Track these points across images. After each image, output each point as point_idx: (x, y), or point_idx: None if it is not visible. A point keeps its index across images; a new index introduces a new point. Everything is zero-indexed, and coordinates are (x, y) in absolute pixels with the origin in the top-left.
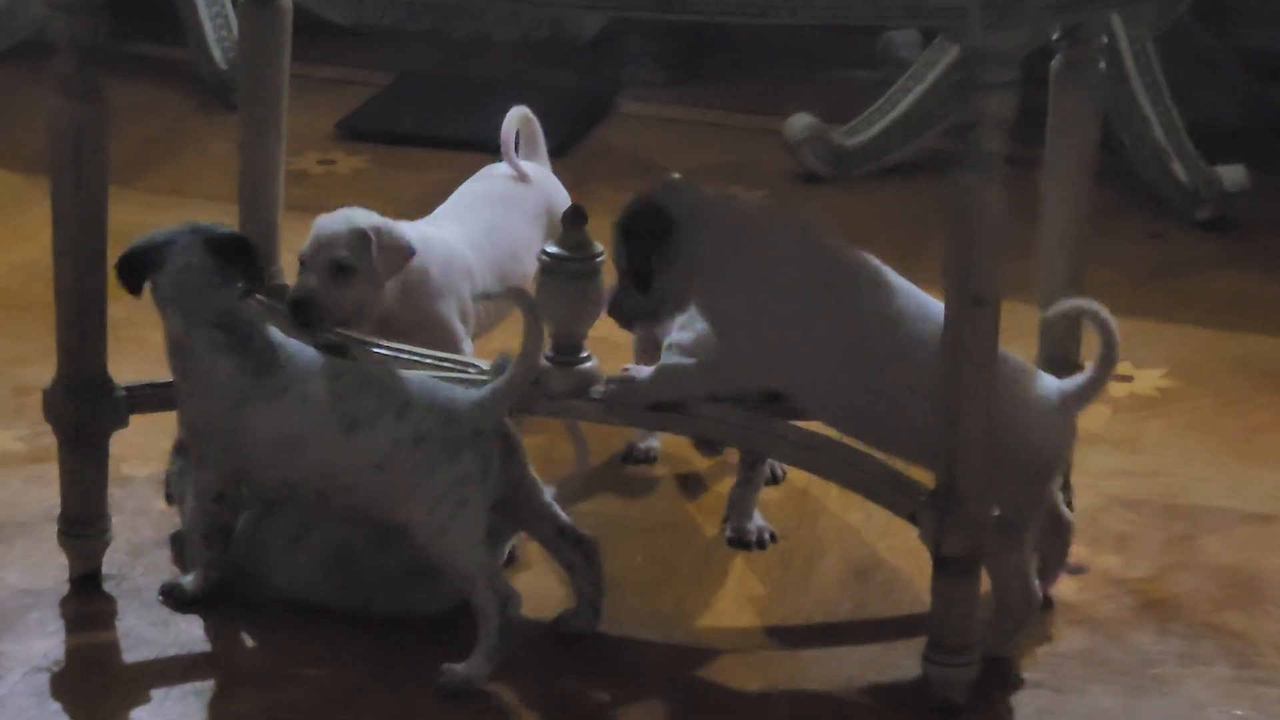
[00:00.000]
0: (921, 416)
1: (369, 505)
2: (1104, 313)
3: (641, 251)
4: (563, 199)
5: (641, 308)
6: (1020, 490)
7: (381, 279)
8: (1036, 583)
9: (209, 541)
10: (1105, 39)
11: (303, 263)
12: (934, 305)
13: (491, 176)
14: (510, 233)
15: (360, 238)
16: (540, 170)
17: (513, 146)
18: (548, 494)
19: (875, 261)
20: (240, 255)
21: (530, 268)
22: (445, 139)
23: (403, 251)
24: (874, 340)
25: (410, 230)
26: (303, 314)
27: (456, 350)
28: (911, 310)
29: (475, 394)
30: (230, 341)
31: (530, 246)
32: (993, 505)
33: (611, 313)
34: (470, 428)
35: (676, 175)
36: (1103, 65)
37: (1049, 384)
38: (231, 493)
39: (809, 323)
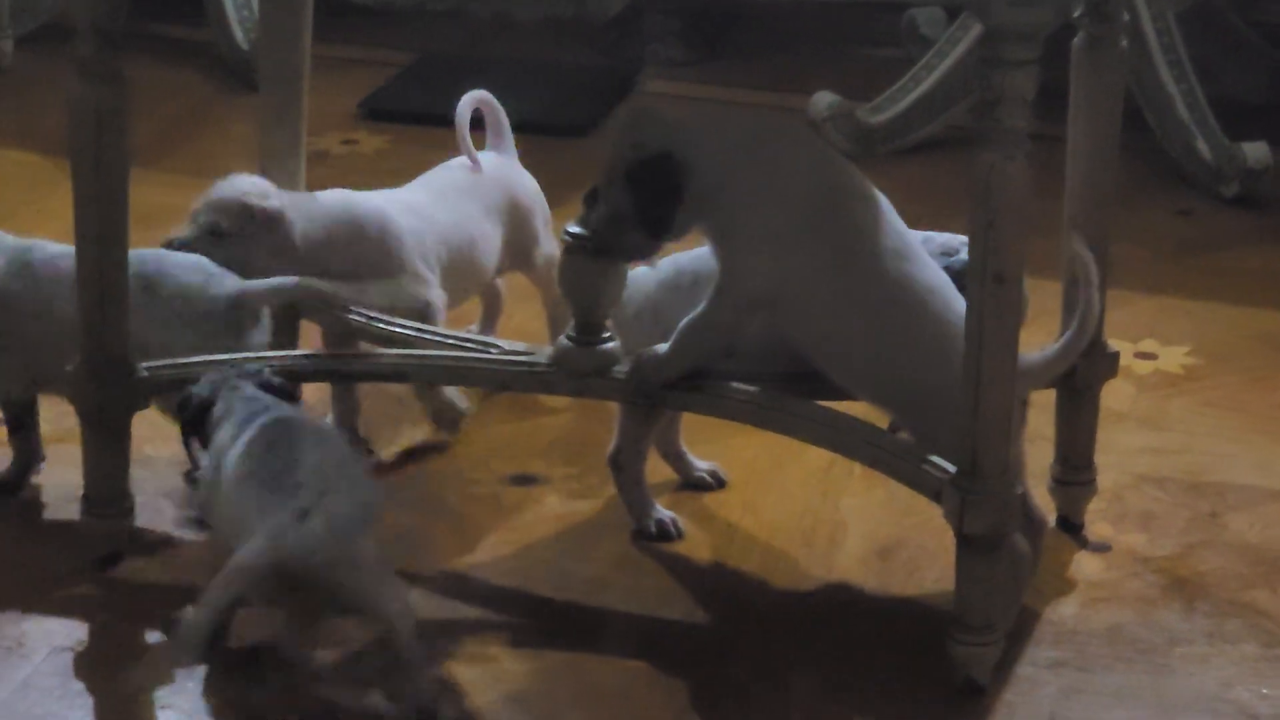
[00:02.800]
0: (886, 359)
1: None
2: (1093, 272)
3: (659, 201)
4: (528, 189)
5: (643, 247)
6: None
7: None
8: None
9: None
10: (1127, 16)
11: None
12: (925, 256)
13: (451, 167)
14: (471, 222)
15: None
16: (503, 160)
17: (467, 133)
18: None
19: (876, 193)
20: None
21: (488, 259)
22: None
23: (284, 244)
24: (862, 272)
25: (365, 199)
26: None
27: (422, 301)
28: (904, 251)
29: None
30: (241, 407)
31: (488, 237)
32: (1017, 484)
33: (609, 254)
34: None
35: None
36: (1125, 42)
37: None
38: None
39: (806, 235)
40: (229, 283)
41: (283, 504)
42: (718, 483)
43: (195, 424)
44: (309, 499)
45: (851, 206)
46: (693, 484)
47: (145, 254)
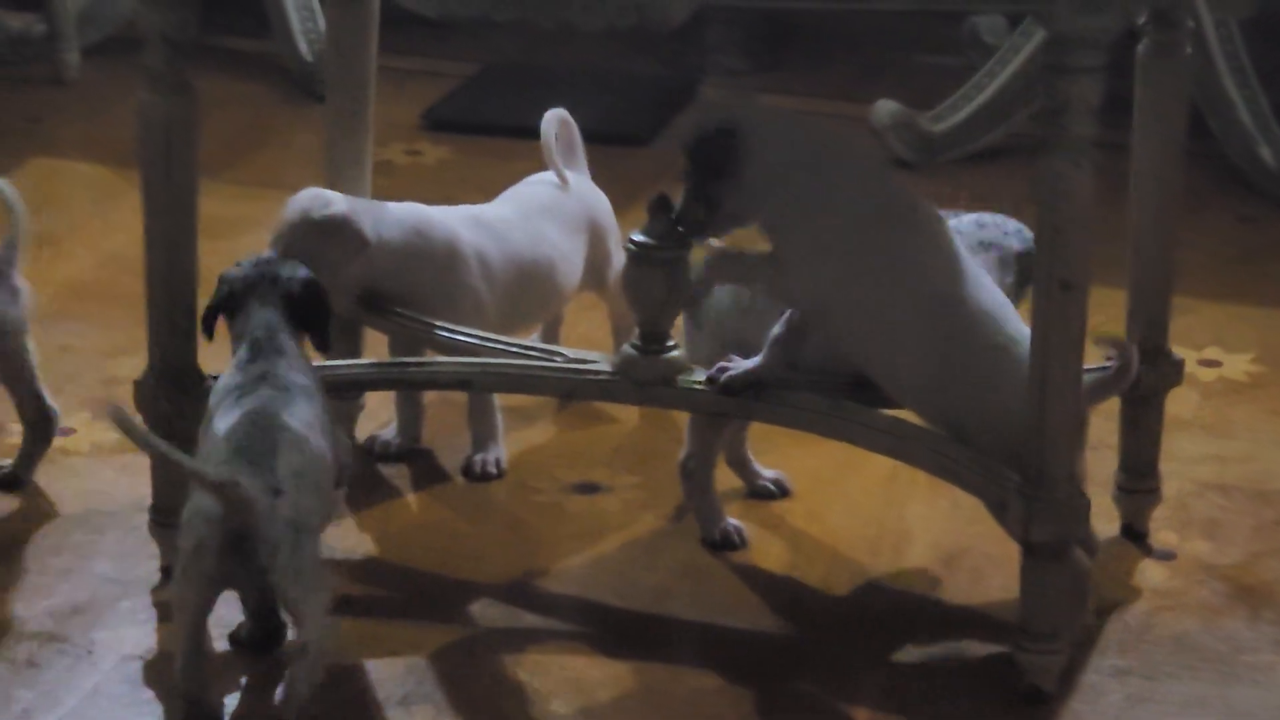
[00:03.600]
0: (934, 379)
1: None
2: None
3: (710, 176)
4: (605, 208)
5: (704, 223)
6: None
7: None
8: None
9: None
10: (1191, 23)
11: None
12: (982, 278)
13: (536, 184)
14: (549, 243)
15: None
16: (580, 179)
17: (555, 152)
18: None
19: (934, 212)
20: (315, 317)
21: (569, 279)
22: (530, 129)
23: (356, 241)
24: (908, 292)
25: (439, 215)
26: None
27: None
28: (956, 272)
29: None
30: (248, 357)
31: (569, 257)
32: (1082, 491)
33: (679, 224)
34: (203, 512)
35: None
36: (1189, 49)
37: None
38: None
39: (850, 250)
40: None
41: (258, 475)
42: (782, 492)
43: (221, 312)
44: (284, 484)
45: (899, 226)
46: (757, 493)
47: None
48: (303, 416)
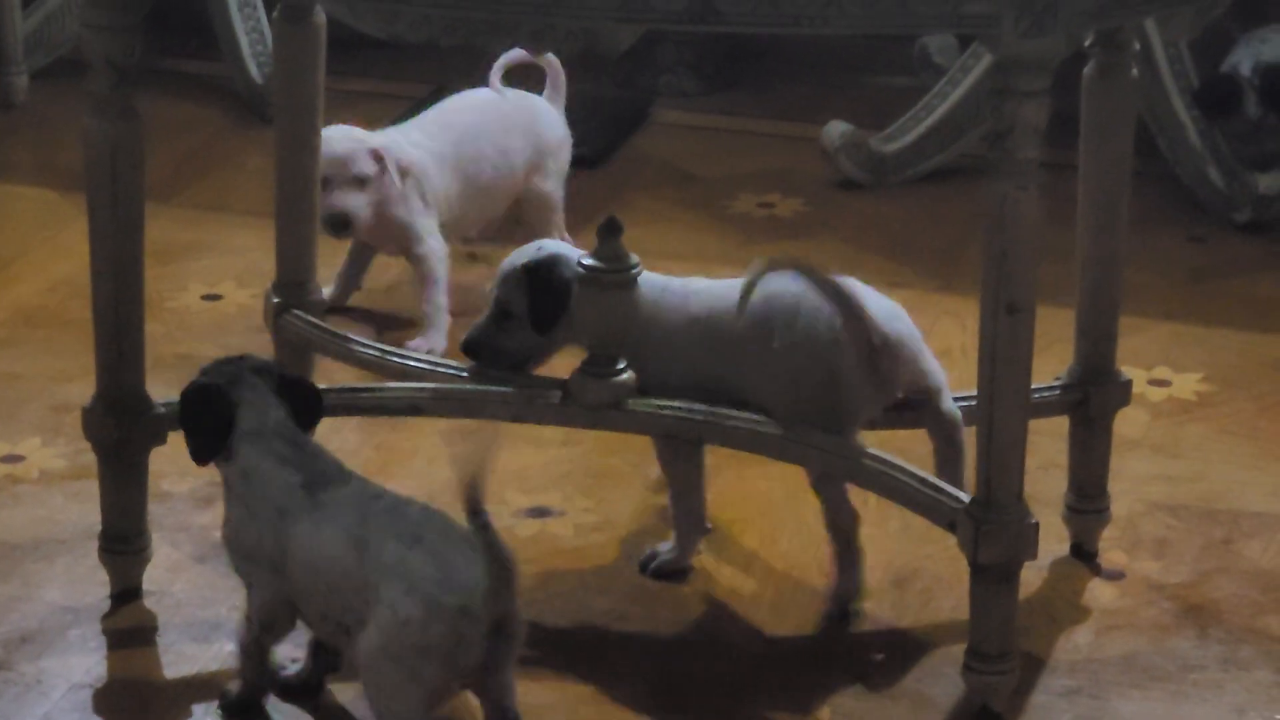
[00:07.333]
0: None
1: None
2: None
3: (551, 300)
4: (553, 122)
5: (518, 350)
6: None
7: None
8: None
9: (249, 658)
10: (1138, 44)
11: (326, 181)
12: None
13: (471, 93)
14: (481, 138)
15: (375, 155)
16: (535, 99)
17: (499, 71)
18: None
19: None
20: (309, 404)
21: (501, 172)
22: None
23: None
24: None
25: (375, 138)
26: (338, 229)
27: (421, 245)
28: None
29: (479, 574)
30: (293, 455)
31: (506, 153)
32: (1029, 513)
33: (474, 351)
34: (458, 602)
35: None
36: (1136, 70)
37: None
38: (282, 621)
39: None
40: None
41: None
42: None
43: (215, 424)
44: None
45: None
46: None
47: None
48: None
